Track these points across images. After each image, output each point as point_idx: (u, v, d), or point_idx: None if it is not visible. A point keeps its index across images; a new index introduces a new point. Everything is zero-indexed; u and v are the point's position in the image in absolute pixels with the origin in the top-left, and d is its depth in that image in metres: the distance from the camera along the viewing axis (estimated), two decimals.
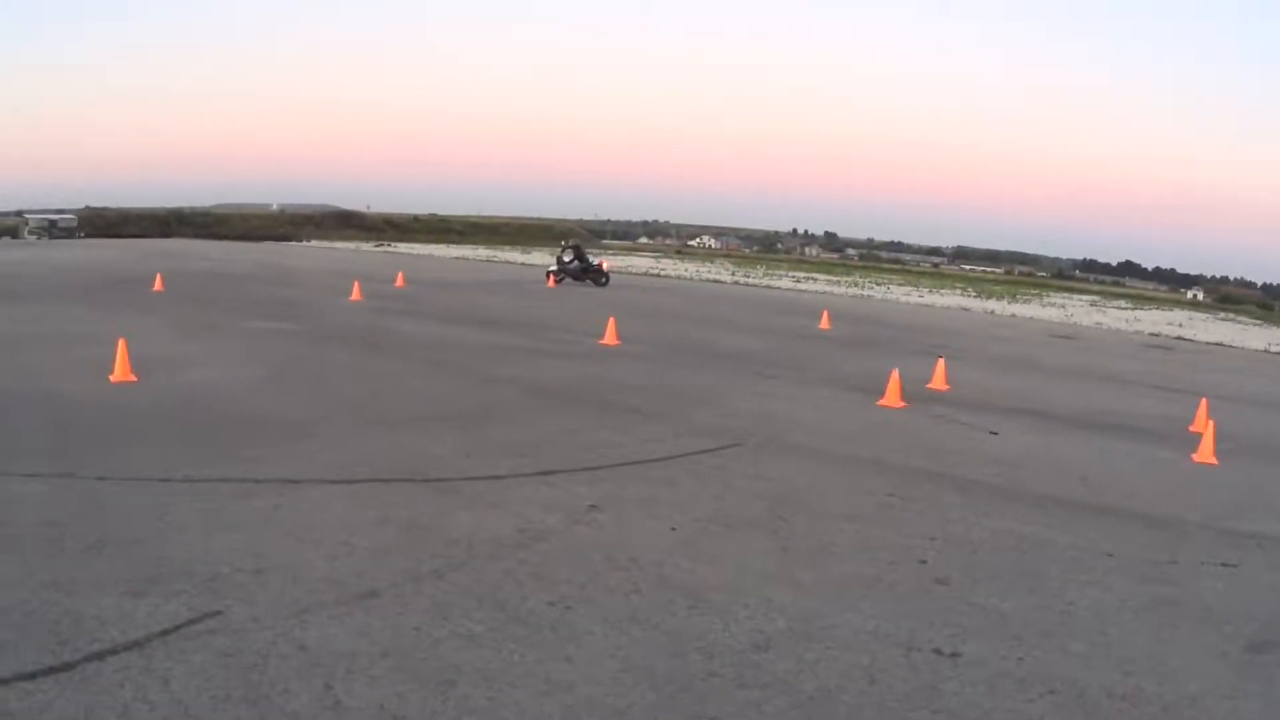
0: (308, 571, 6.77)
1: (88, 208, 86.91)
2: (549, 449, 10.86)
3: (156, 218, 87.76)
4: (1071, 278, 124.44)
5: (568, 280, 39.97)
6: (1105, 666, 6.08)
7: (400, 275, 35.66)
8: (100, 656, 5.25)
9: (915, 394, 16.25)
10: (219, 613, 5.94)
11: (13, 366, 14.24)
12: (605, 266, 41.75)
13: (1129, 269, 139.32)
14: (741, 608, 6.59)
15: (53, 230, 73.94)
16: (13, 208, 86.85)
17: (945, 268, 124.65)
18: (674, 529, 8.27)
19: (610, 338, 21.16)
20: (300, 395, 13.36)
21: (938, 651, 6.09)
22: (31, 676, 4.99)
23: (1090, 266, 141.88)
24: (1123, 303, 66.80)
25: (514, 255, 69.70)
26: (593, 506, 8.74)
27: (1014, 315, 43.13)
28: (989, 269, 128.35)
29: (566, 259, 40.68)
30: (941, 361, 18.45)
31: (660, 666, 5.61)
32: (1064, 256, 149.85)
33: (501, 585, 6.73)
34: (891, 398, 15.43)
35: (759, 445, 11.77)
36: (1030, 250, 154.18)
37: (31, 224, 75.77)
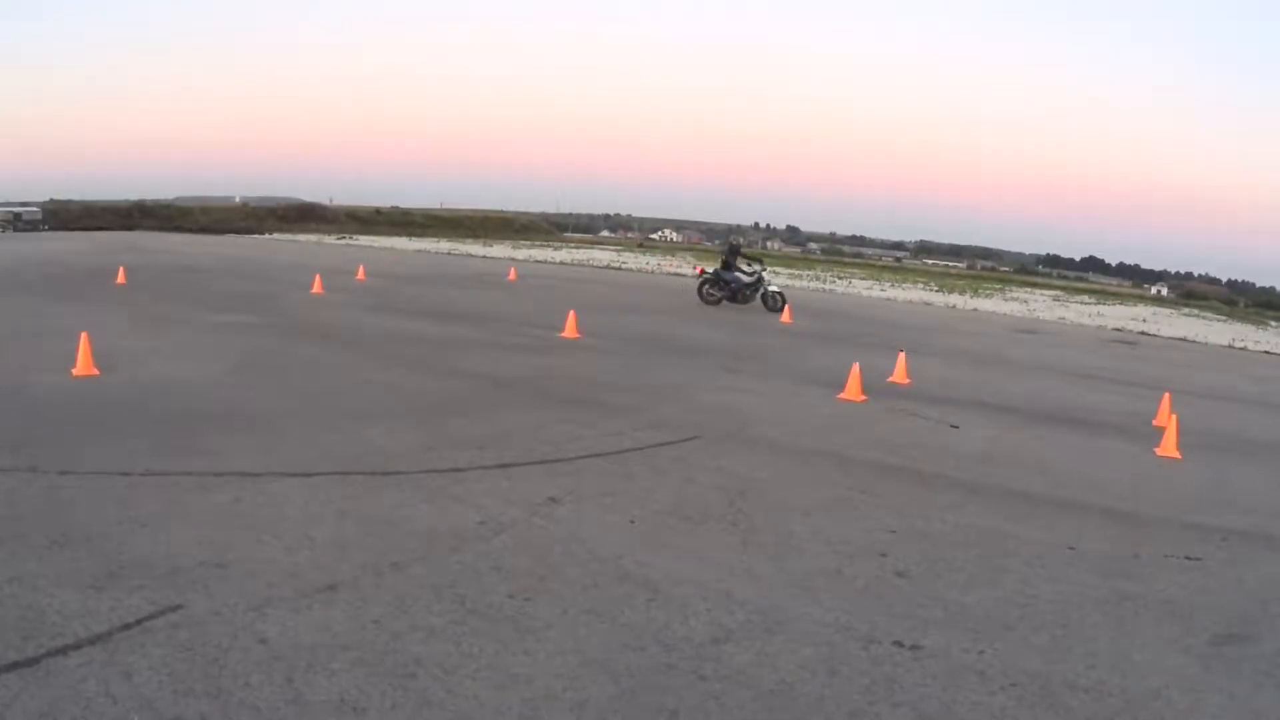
0: (268, 565, 6.76)
1: (52, 200, 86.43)
2: (509, 442, 10.87)
3: (119, 210, 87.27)
4: (1035, 273, 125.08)
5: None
6: (1068, 659, 6.13)
7: (361, 268, 35.52)
8: (63, 651, 5.24)
9: (876, 388, 16.33)
10: (180, 606, 5.93)
11: None
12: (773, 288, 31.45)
13: (1092, 264, 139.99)
14: (701, 601, 6.63)
15: (16, 223, 73.48)
16: None
17: (908, 262, 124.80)
18: (633, 522, 8.31)
19: (571, 331, 21.20)
20: (261, 389, 13.31)
21: (898, 644, 6.13)
22: None
23: (1054, 262, 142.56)
24: (1086, 298, 67.06)
25: (475, 248, 69.41)
26: (552, 499, 8.76)
27: (976, 310, 43.24)
28: (952, 264, 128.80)
29: (738, 272, 30.85)
30: (903, 355, 18.52)
31: (619, 659, 5.64)
32: (1027, 252, 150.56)
33: (461, 578, 6.76)
34: (852, 391, 15.49)
35: (719, 438, 11.81)
36: (993, 245, 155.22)
37: None
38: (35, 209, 78.69)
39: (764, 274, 31.62)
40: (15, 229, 71.48)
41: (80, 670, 5.05)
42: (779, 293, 30.91)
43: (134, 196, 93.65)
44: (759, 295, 30.86)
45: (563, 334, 21.10)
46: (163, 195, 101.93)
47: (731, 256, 31.94)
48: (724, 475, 10.07)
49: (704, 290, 31.54)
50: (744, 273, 31.19)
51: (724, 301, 31.00)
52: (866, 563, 7.67)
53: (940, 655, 6.01)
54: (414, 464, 9.71)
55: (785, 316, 28.79)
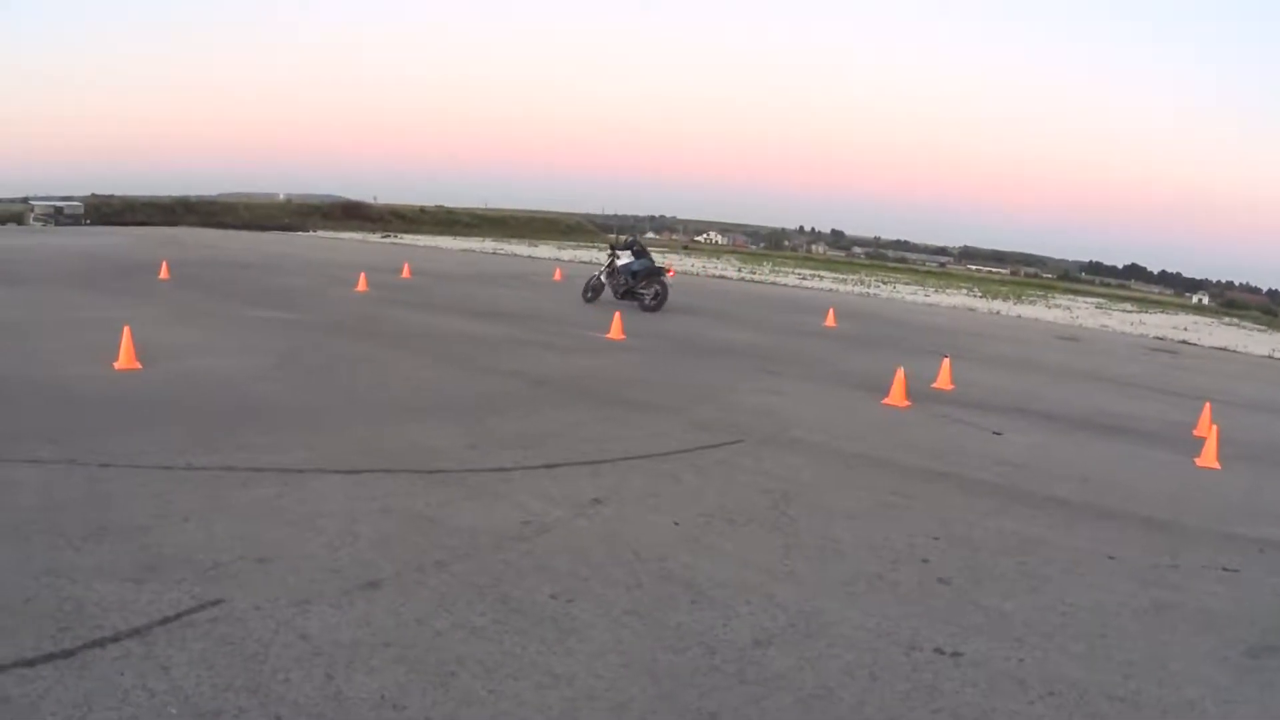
0: (310, 561, 6.76)
1: (94, 195, 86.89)
2: (553, 442, 10.85)
3: (162, 206, 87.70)
4: (1077, 280, 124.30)
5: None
6: (1105, 669, 6.08)
7: (406, 266, 35.57)
8: (100, 644, 5.24)
9: (920, 393, 16.25)
10: (221, 601, 5.93)
11: (16, 352, 14.22)
12: (672, 274, 29.34)
13: (1135, 271, 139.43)
14: (743, 604, 6.58)
15: (59, 217, 73.97)
16: (19, 195, 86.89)
17: (951, 267, 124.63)
18: (677, 524, 8.26)
19: (615, 332, 21.13)
20: (304, 385, 13.34)
21: (939, 651, 6.09)
22: (30, 663, 4.98)
23: (1096, 269, 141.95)
24: (1128, 306, 66.45)
25: (520, 248, 69.50)
26: (596, 500, 8.73)
27: (1019, 316, 42.95)
28: (995, 269, 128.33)
29: (622, 261, 28.12)
30: (947, 361, 18.43)
31: (661, 661, 5.61)
32: (1070, 258, 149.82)
33: (504, 577, 6.73)
34: (896, 396, 15.41)
35: (763, 441, 11.75)
36: (1036, 251, 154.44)
37: (37, 211, 75.80)
38: (77, 204, 79.19)
39: (651, 265, 28.35)
40: (57, 223, 72.08)
41: (117, 663, 5.05)
42: (661, 286, 27.79)
43: (177, 192, 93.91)
44: (647, 289, 27.84)
45: (607, 335, 21.05)
46: (206, 191, 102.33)
47: (623, 248, 28.79)
48: (768, 478, 10.03)
49: (599, 282, 28.92)
50: (637, 259, 28.19)
51: (624, 296, 28.01)
52: (909, 568, 7.64)
53: (981, 663, 5.97)
54: (458, 462, 9.72)
55: (830, 321, 28.73)
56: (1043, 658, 6.14)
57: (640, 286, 27.81)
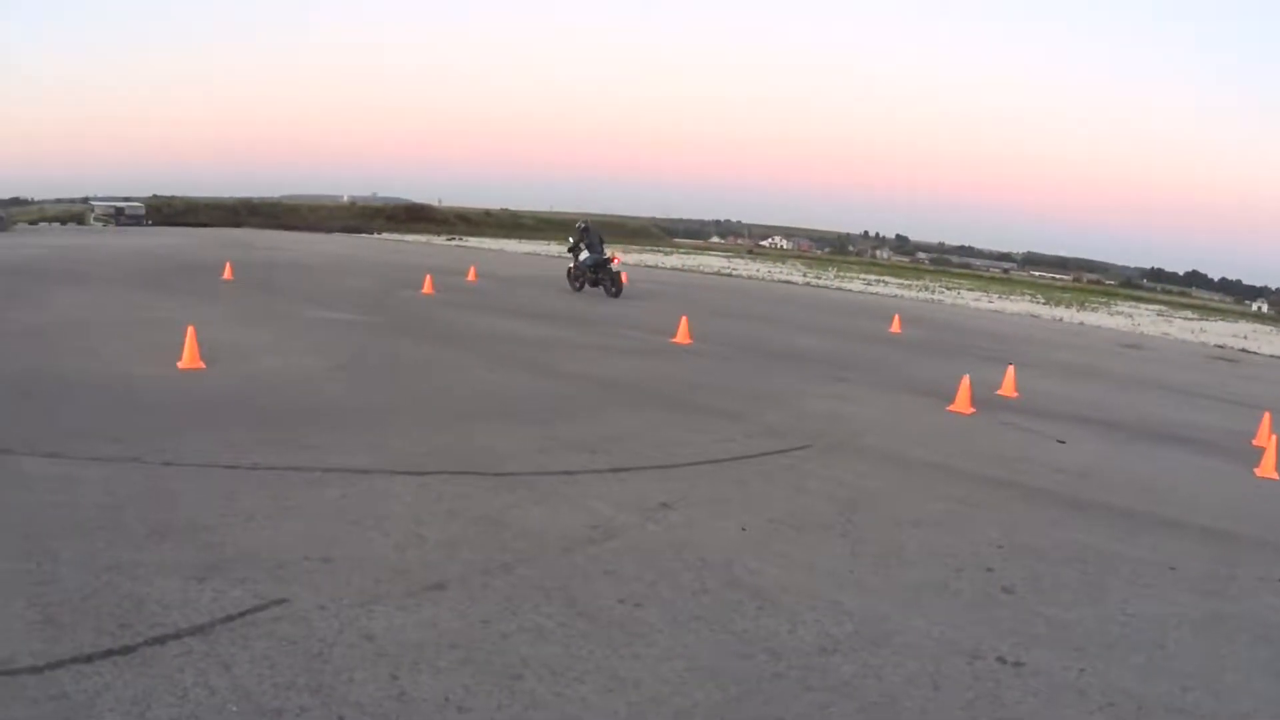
0: (376, 562, 6.80)
1: (155, 196, 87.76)
2: (621, 446, 10.89)
3: (225, 207, 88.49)
4: (1139, 286, 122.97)
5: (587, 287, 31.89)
6: (1163, 680, 6.03)
7: (472, 269, 35.82)
8: (161, 641, 5.28)
9: (985, 400, 16.20)
10: (285, 600, 5.98)
11: (80, 351, 14.39)
12: (617, 262, 32.52)
13: (1195, 279, 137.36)
14: (809, 610, 6.58)
15: (119, 218, 74.59)
16: (79, 195, 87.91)
17: (1015, 274, 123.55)
18: (744, 529, 8.27)
19: (683, 336, 21.19)
20: (370, 386, 13.42)
21: (1001, 660, 6.06)
22: (89, 659, 5.02)
23: (1157, 275, 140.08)
24: (1188, 313, 65.72)
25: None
26: (664, 505, 8.75)
27: (1082, 323, 42.64)
28: (1058, 275, 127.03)
29: (578, 254, 31.63)
30: (1011, 368, 18.33)
31: (727, 666, 5.61)
32: (1131, 264, 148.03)
33: (571, 581, 6.76)
34: (961, 403, 15.39)
35: (830, 447, 11.76)
36: (1099, 258, 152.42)
37: (98, 211, 76.55)
38: (138, 204, 79.80)
39: (607, 258, 31.70)
40: (117, 223, 72.71)
41: (178, 660, 5.08)
42: (617, 283, 31.22)
43: (240, 194, 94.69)
44: (604, 277, 31.26)
45: (674, 339, 21.11)
46: (269, 193, 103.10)
47: (582, 237, 31.80)
48: (835, 484, 10.02)
49: (571, 274, 32.15)
50: (590, 251, 31.43)
51: (585, 286, 31.64)
52: (973, 576, 7.61)
53: (1042, 672, 5.94)
54: (525, 465, 9.75)
55: (895, 326, 28.74)
56: (1103, 668, 6.09)
57: (600, 277, 31.21)
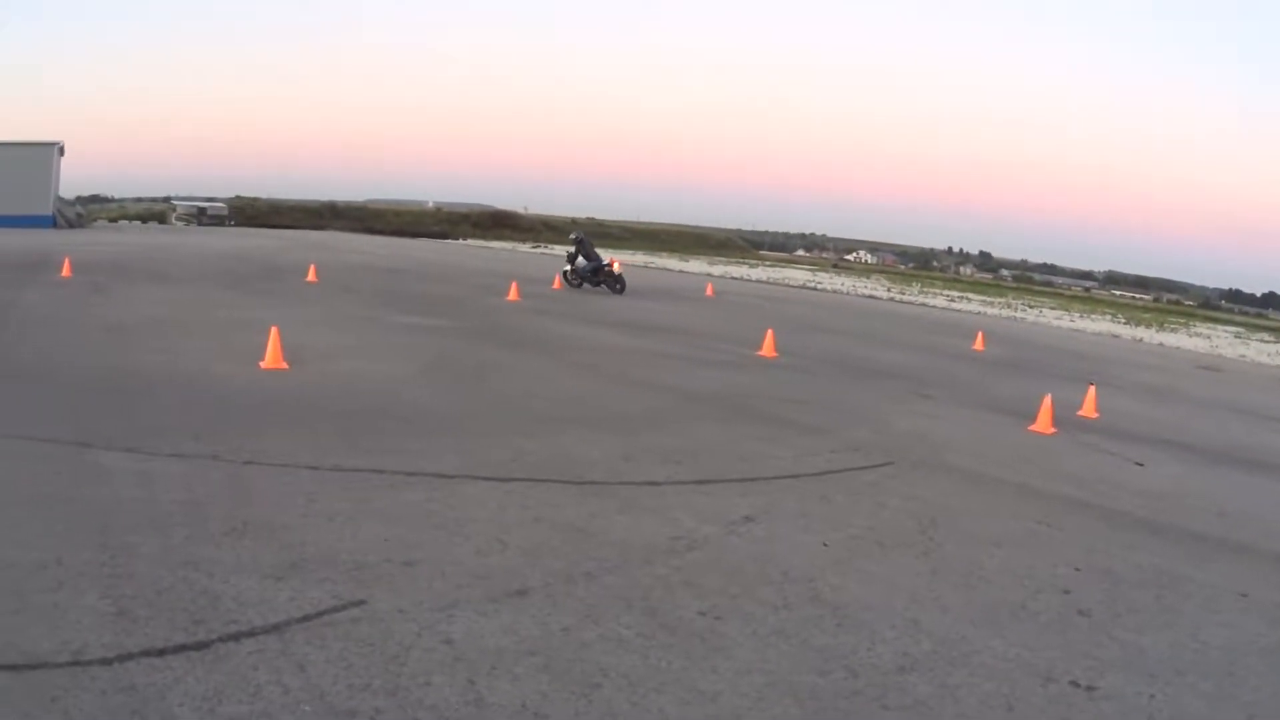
0: (457, 566, 6.84)
1: (238, 196, 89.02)
2: (705, 457, 10.88)
3: (309, 209, 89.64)
4: (1216, 307, 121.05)
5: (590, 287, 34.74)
6: (1231, 708, 5.95)
7: (558, 278, 36.00)
8: (235, 638, 5.33)
9: (1065, 420, 16.02)
10: (363, 602, 6.02)
11: (161, 349, 14.61)
12: (617, 268, 35.22)
13: (1272, 300, 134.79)
14: (889, 628, 6.54)
15: (201, 217, 75.73)
16: (161, 194, 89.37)
17: (1096, 292, 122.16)
18: (826, 545, 8.23)
19: (768, 349, 21.16)
20: (455, 391, 13.52)
21: (1075, 684, 5.99)
22: (160, 653, 5.08)
23: (1235, 296, 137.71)
24: (1266, 335, 64.55)
25: (671, 262, 69.85)
26: (747, 518, 8.72)
27: (1161, 344, 42.22)
28: (1138, 295, 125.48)
29: (570, 251, 35.13)
30: (1092, 388, 18.16)
31: (805, 682, 5.58)
32: (1210, 285, 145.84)
33: (653, 591, 6.76)
34: (1043, 423, 15.23)
35: (913, 464, 11.68)
36: (1178, 278, 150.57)
37: (180, 210, 77.75)
38: (221, 204, 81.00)
39: (605, 263, 34.94)
40: (199, 223, 73.79)
41: (252, 658, 5.12)
42: (620, 279, 34.64)
43: (324, 197, 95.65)
44: (603, 280, 34.59)
45: (760, 352, 21.09)
46: (354, 197, 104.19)
47: (579, 245, 35.06)
48: (917, 502, 9.96)
49: (567, 276, 35.13)
50: (587, 260, 34.73)
51: (584, 285, 34.69)
52: (1050, 598, 7.53)
53: (1114, 697, 5.87)
54: (610, 474, 9.78)
55: (978, 344, 28.65)
56: (1173, 695, 6.02)
57: (600, 279, 34.49)
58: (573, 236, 35.93)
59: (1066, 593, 7.70)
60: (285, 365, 13.76)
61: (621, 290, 34.19)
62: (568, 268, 35.09)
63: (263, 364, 13.71)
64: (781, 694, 5.41)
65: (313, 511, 7.69)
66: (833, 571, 7.57)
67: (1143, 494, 11.53)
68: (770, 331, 21.94)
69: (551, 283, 35.20)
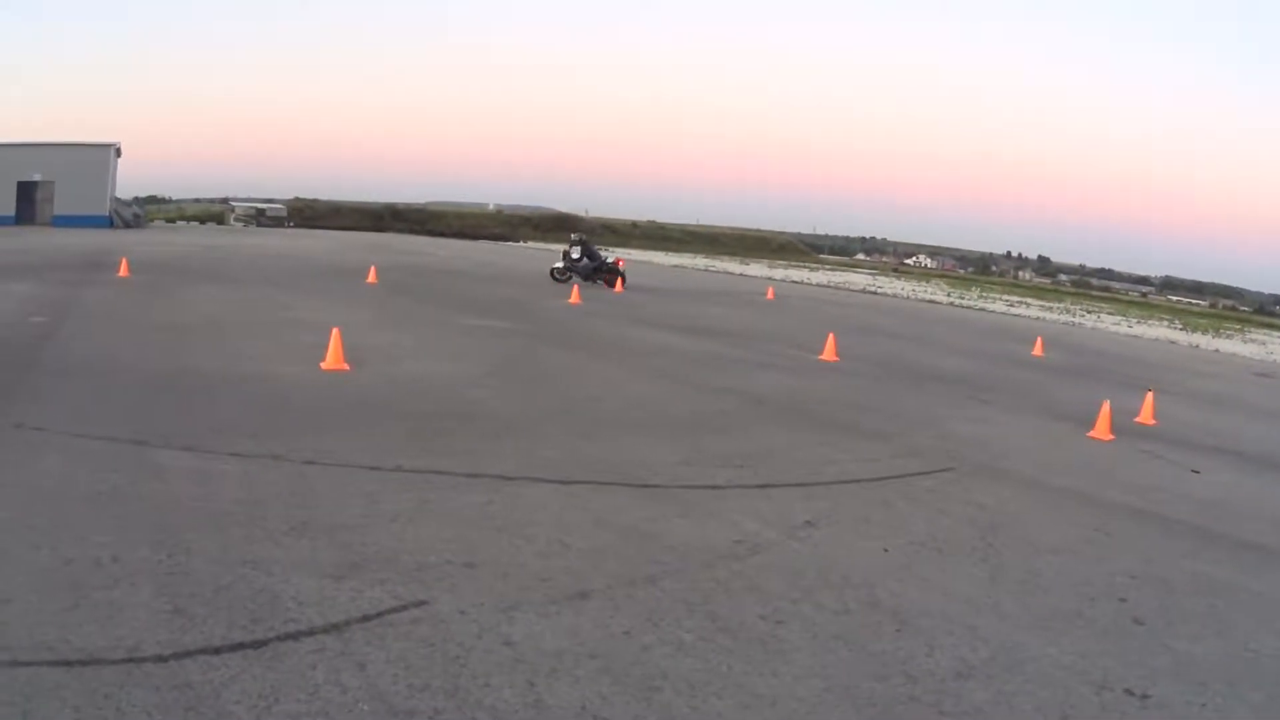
0: (519, 568, 6.87)
1: (297, 198, 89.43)
2: (767, 462, 10.88)
3: (368, 211, 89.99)
4: (1272, 313, 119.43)
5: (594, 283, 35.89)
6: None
7: (619, 280, 36.08)
8: (294, 637, 5.37)
9: (1123, 427, 15.89)
10: (424, 603, 6.06)
11: (220, 349, 14.79)
12: (621, 265, 37.47)
13: None
14: (947, 634, 6.53)
15: (260, 219, 76.26)
16: (219, 195, 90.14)
17: (1153, 297, 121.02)
18: (886, 550, 8.22)
19: (830, 354, 21.16)
20: (516, 393, 13.56)
21: (1129, 692, 5.95)
22: (217, 651, 5.11)
23: None
24: None
25: (732, 266, 69.89)
26: (809, 522, 8.73)
27: (1217, 350, 41.91)
28: (1194, 301, 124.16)
29: (575, 255, 36.07)
30: (1150, 395, 18.01)
31: (863, 688, 5.57)
32: (1266, 290, 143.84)
33: (714, 595, 6.76)
34: (1101, 430, 15.15)
35: (972, 470, 11.65)
36: (1234, 283, 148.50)
37: (238, 211, 78.35)
38: (279, 205, 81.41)
39: (610, 260, 37.25)
40: (258, 224, 74.31)
41: (310, 657, 5.15)
42: (621, 274, 36.54)
43: (384, 199, 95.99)
44: (604, 276, 36.32)
45: (821, 356, 21.11)
46: (414, 199, 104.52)
47: (585, 249, 36.37)
48: (976, 508, 9.94)
49: (555, 273, 36.46)
50: (590, 259, 36.29)
51: (573, 278, 35.27)
52: (1106, 606, 7.49)
53: (1166, 705, 5.84)
54: (672, 478, 9.79)
55: (1037, 349, 28.45)
56: (1223, 704, 5.98)
57: (599, 276, 36.06)
58: (575, 238, 37.51)
59: (1122, 601, 7.66)
60: (346, 366, 13.86)
61: (621, 284, 35.56)
62: (559, 264, 36.32)
63: (323, 365, 13.84)
64: (840, 699, 5.40)
65: (374, 512, 7.74)
66: (892, 577, 7.56)
67: (1198, 502, 11.46)
68: (831, 335, 21.96)
69: (614, 286, 35.36)
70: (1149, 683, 6.13)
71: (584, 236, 38.24)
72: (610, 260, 36.77)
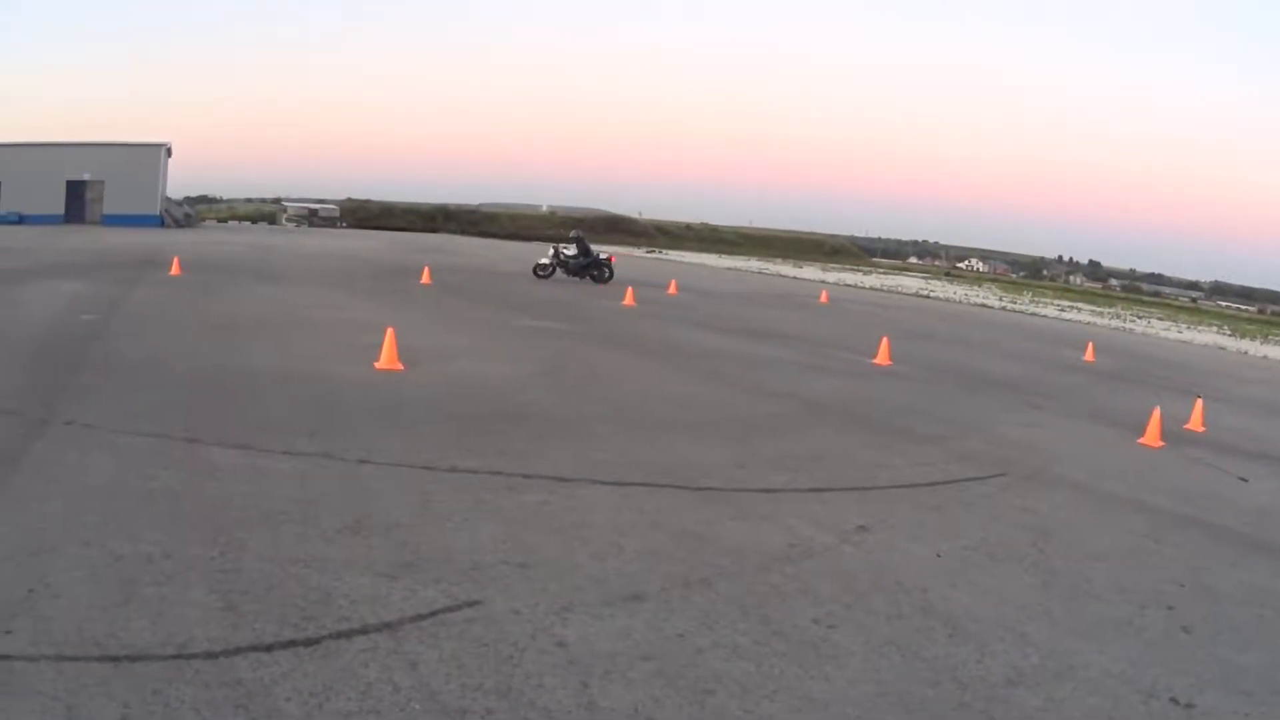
0: (573, 569, 6.89)
1: (349, 199, 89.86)
2: (821, 465, 10.89)
3: (421, 212, 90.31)
4: None
5: (570, 278, 35.92)
6: None
7: (673, 282, 36.35)
8: (346, 635, 5.40)
9: (1173, 433, 15.78)
10: (478, 602, 6.08)
11: (274, 347, 14.92)
12: (613, 261, 37.59)
13: None
14: (998, 640, 6.52)
15: (312, 219, 76.64)
16: (271, 195, 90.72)
17: (1202, 303, 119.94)
18: (939, 555, 8.21)
19: (883, 357, 21.15)
20: (570, 395, 13.62)
21: (1175, 700, 5.93)
22: (268, 648, 5.14)
23: None
24: None
25: (785, 269, 69.85)
26: (862, 527, 8.73)
27: (1265, 357, 41.59)
28: (1243, 306, 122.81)
29: (569, 252, 36.15)
30: (1199, 402, 17.91)
31: (914, 693, 5.57)
32: None
33: (768, 599, 6.76)
34: (1151, 436, 15.07)
35: (1025, 476, 11.61)
36: None
37: (290, 211, 78.81)
38: (332, 206, 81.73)
39: (604, 258, 36.76)
40: (310, 224, 74.69)
41: (362, 655, 5.18)
42: (610, 269, 36.27)
43: (437, 200, 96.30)
44: (592, 272, 36.10)
45: (875, 360, 21.10)
46: (467, 200, 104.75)
47: (580, 246, 36.23)
48: (1028, 514, 9.90)
49: (538, 269, 36.12)
50: (584, 256, 36.15)
51: (557, 274, 35.92)
52: (1155, 614, 7.46)
53: (1211, 714, 5.81)
54: (726, 481, 9.79)
55: (1088, 355, 28.35)
56: (1267, 713, 5.96)
57: (588, 272, 35.85)
58: (574, 234, 37.44)
59: (1170, 609, 7.63)
60: (400, 366, 13.93)
61: (609, 279, 35.58)
62: (543, 260, 36.14)
63: (378, 364, 13.91)
64: (891, 704, 5.40)
65: (428, 511, 7.78)
66: (945, 582, 7.56)
67: (1246, 510, 11.40)
68: (885, 339, 21.94)
69: (667, 288, 35.44)
70: (1195, 692, 6.11)
71: (581, 234, 38.40)
72: (604, 257, 36.87)
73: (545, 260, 35.97)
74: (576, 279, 35.49)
